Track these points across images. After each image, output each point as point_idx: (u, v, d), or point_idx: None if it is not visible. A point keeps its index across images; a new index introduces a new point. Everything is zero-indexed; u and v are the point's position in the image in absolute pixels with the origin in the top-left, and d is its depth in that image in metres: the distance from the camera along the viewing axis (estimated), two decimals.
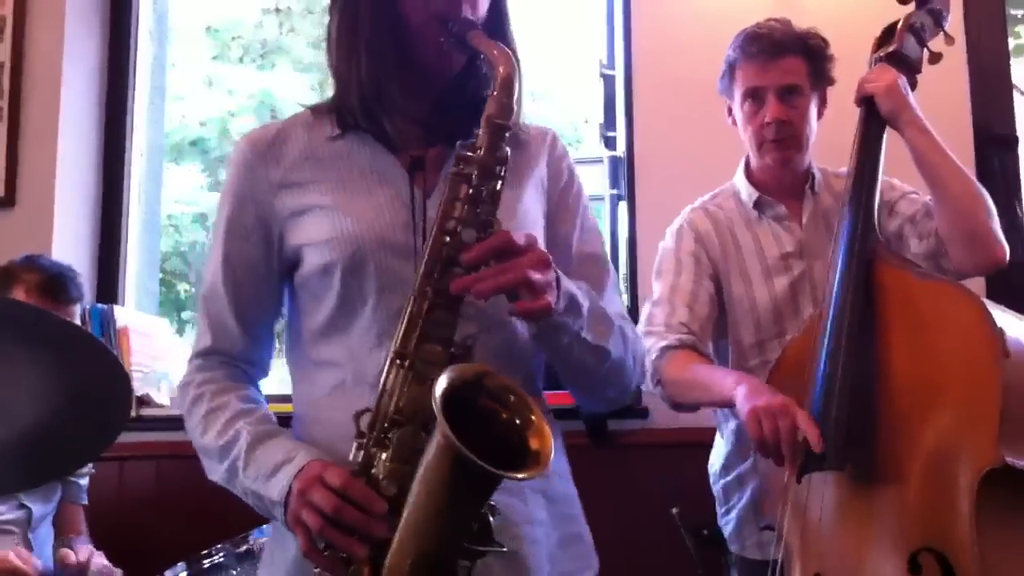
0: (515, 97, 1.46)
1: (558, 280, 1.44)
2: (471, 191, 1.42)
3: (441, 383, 1.26)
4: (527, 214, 1.62)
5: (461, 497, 1.29)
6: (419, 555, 1.30)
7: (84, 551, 2.72)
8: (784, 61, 2.46)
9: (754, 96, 2.48)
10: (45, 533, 2.91)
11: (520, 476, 1.27)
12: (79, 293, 2.95)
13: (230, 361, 1.67)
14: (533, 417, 1.32)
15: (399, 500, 1.33)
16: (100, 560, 2.71)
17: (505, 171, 1.44)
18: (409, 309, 1.41)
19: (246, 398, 1.62)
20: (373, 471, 1.38)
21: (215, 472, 1.58)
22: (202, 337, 1.67)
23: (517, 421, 1.32)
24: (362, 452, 1.40)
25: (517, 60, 1.48)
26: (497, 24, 1.60)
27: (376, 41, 1.57)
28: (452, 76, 1.60)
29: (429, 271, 1.40)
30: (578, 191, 1.74)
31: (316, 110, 1.67)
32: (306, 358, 1.62)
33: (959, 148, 2.31)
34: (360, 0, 1.58)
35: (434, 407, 1.23)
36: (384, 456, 1.38)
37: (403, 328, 1.41)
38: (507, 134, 1.45)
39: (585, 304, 1.51)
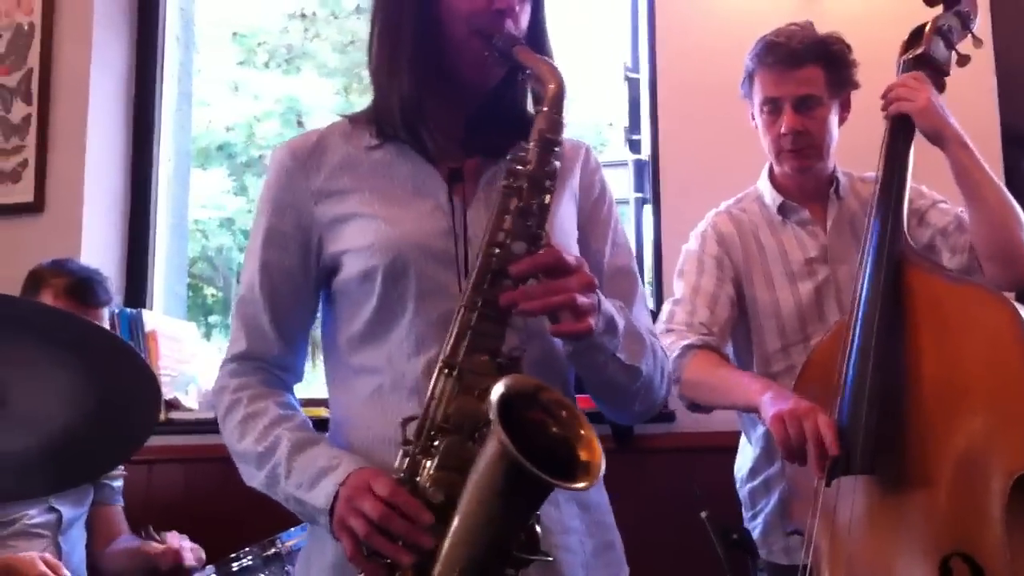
0: (564, 112, 1.47)
1: (599, 301, 1.45)
2: (521, 204, 1.43)
3: (497, 391, 1.27)
4: (562, 226, 1.63)
5: (513, 506, 1.30)
6: (468, 563, 1.31)
7: (172, 537, 2.79)
8: (801, 71, 2.43)
9: (771, 106, 2.47)
10: (76, 536, 2.92)
11: (577, 486, 1.28)
12: (107, 296, 2.96)
13: (265, 367, 1.68)
14: (583, 432, 1.32)
15: (446, 508, 1.34)
16: (186, 543, 2.77)
17: (554, 185, 1.46)
18: (459, 319, 1.42)
19: (284, 404, 1.63)
20: (418, 479, 1.39)
21: (254, 478, 1.59)
22: (237, 342, 1.68)
23: (567, 435, 1.32)
24: (407, 459, 1.41)
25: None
26: (537, 38, 1.62)
27: (418, 56, 1.59)
28: (490, 89, 1.62)
29: (479, 282, 1.42)
30: (610, 205, 1.75)
31: (354, 120, 1.70)
32: (344, 365, 1.63)
33: (986, 150, 2.30)
34: (403, 13, 1.60)
35: (491, 414, 1.24)
36: (430, 464, 1.39)
37: (452, 337, 1.42)
38: (557, 149, 1.46)
39: (621, 324, 1.51)
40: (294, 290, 1.66)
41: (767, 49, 2.46)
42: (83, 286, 2.89)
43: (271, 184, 1.67)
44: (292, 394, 1.71)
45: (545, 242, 1.43)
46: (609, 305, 1.50)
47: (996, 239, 2.27)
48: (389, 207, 1.59)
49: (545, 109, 1.47)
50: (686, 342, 2.35)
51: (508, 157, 1.48)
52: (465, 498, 1.31)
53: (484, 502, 1.30)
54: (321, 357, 1.73)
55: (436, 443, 1.39)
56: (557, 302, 1.38)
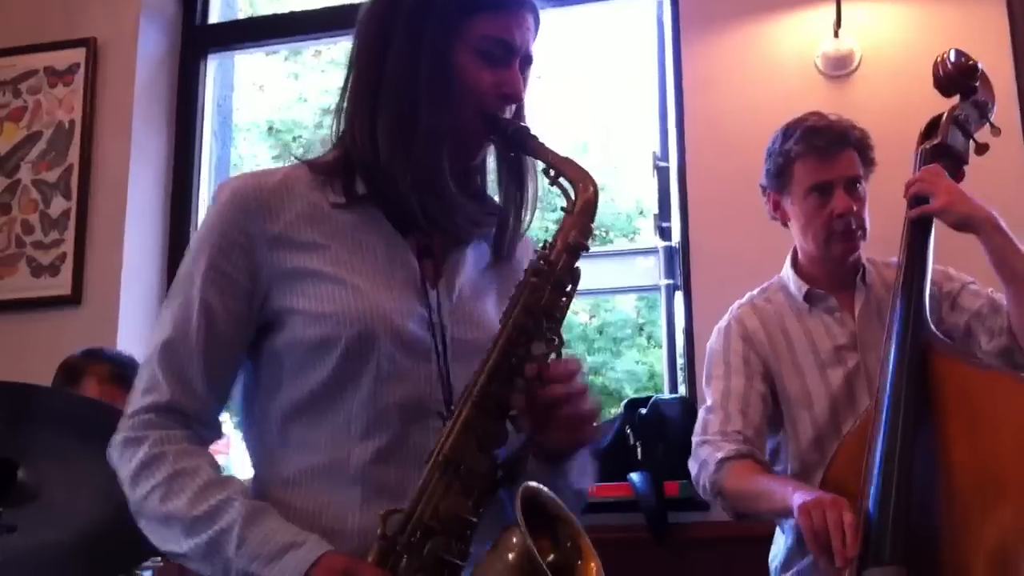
0: (594, 219, 1.44)
1: None
2: (543, 305, 1.40)
3: (520, 498, 1.27)
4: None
5: None
6: None
7: None
8: (845, 153, 2.45)
9: (821, 190, 2.44)
10: None
11: None
12: None
13: (187, 421, 1.49)
14: (590, 562, 1.33)
15: None
16: None
17: (574, 290, 1.44)
18: (464, 414, 1.35)
19: (217, 466, 1.47)
20: None
21: (178, 543, 1.40)
22: (156, 390, 1.48)
23: (572, 559, 1.33)
24: (383, 554, 1.31)
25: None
26: (520, 116, 1.57)
27: (436, 120, 1.48)
28: (469, 166, 1.59)
29: (490, 379, 1.37)
30: None
31: (314, 168, 1.56)
32: (270, 434, 1.51)
33: (1018, 233, 2.28)
34: (417, 72, 1.49)
35: (518, 520, 1.24)
36: (408, 563, 1.31)
37: (455, 432, 1.35)
38: (582, 253, 1.44)
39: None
40: (233, 340, 1.50)
41: (814, 133, 2.45)
42: (127, 371, 2.90)
43: (220, 219, 1.50)
44: None
45: (558, 344, 1.40)
46: None
47: None
48: (357, 275, 1.48)
49: (575, 213, 1.43)
50: (721, 454, 2.34)
51: (534, 253, 1.45)
52: None
53: None
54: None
55: (420, 541, 1.31)
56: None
